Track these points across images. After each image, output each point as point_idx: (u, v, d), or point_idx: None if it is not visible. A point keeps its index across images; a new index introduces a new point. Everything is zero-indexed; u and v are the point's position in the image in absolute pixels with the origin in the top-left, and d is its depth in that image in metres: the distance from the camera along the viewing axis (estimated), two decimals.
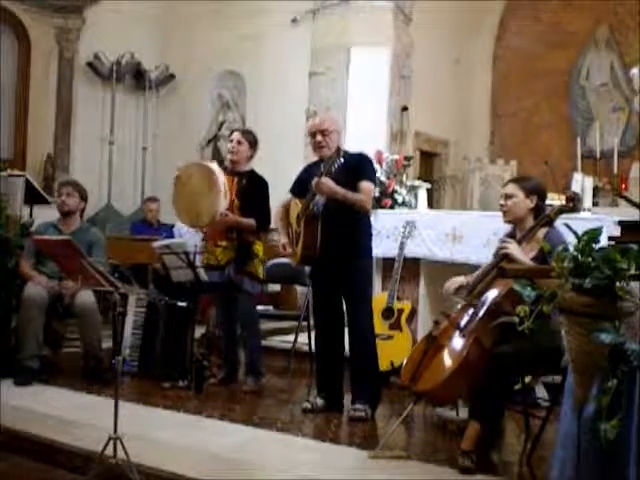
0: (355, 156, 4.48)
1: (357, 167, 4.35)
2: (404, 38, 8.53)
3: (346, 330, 4.50)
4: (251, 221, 4.86)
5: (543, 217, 3.65)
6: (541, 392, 4.56)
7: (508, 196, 3.72)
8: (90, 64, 9.06)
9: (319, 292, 4.55)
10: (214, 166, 4.85)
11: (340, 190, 4.21)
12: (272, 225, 5.05)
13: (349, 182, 4.26)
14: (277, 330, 6.53)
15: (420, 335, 4.85)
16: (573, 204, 3.68)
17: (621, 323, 2.36)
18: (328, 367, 4.53)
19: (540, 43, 9.88)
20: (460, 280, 3.77)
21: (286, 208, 4.60)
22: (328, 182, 4.18)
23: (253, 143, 5.04)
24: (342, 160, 4.15)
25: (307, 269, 5.81)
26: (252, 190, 4.93)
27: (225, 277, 4.92)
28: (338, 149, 4.19)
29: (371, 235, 4.54)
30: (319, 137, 4.41)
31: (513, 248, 3.55)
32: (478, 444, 3.41)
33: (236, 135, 5.04)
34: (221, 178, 4.74)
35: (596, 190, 7.44)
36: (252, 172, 5.05)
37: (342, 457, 3.64)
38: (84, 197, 5.30)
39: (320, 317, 4.56)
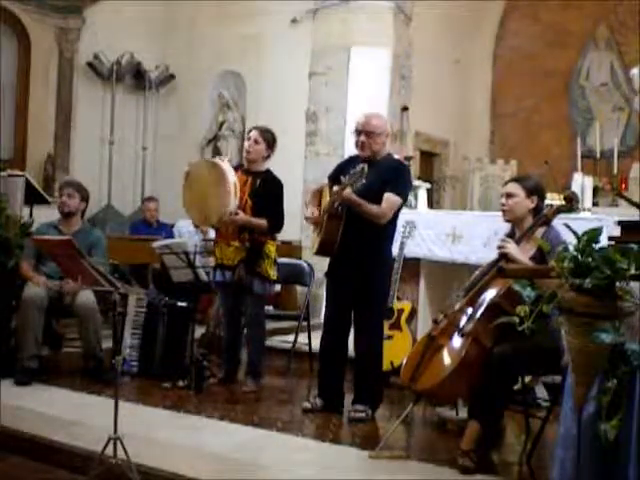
0: (392, 164, 4.40)
1: (389, 177, 4.26)
2: (404, 38, 8.53)
3: (352, 330, 4.50)
4: (262, 221, 4.76)
5: (541, 217, 3.66)
6: (541, 392, 4.56)
7: (509, 195, 3.73)
8: (90, 64, 9.05)
9: (333, 291, 4.49)
10: (224, 164, 4.73)
11: (357, 202, 4.15)
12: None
13: (378, 188, 4.20)
14: (277, 330, 6.51)
15: (420, 335, 4.84)
16: (571, 204, 3.69)
17: (621, 323, 2.36)
18: (330, 368, 4.51)
19: (540, 43, 9.88)
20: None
21: (320, 191, 4.55)
22: (347, 194, 4.11)
23: (271, 142, 4.92)
24: (364, 181, 4.04)
25: (308, 269, 5.86)
26: (266, 191, 4.84)
27: (235, 277, 4.84)
28: (362, 170, 4.02)
29: (392, 240, 4.49)
30: (362, 137, 4.30)
31: (512, 248, 3.56)
32: (478, 444, 3.41)
33: (254, 133, 4.91)
34: (231, 177, 4.64)
35: (596, 190, 7.44)
36: (268, 172, 4.94)
37: (342, 457, 3.64)
38: (85, 198, 5.29)
39: (330, 317, 4.51)
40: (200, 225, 5.17)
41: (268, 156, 4.95)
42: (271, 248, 4.90)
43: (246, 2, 8.74)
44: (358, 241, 4.25)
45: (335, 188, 4.16)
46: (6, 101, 8.50)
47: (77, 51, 9.01)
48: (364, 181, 4.03)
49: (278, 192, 4.88)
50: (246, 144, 4.93)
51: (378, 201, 4.22)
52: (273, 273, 4.93)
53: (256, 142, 4.87)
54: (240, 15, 8.87)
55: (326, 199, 4.40)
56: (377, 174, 4.18)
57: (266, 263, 4.86)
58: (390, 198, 4.23)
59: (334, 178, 4.44)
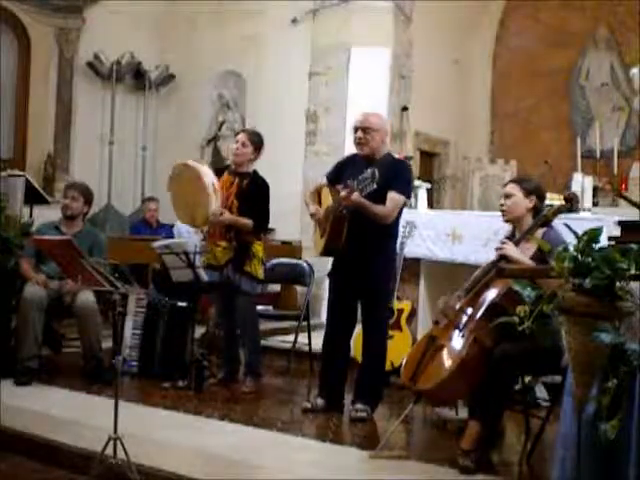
0: (394, 164, 4.42)
1: (391, 176, 4.25)
2: (404, 38, 8.53)
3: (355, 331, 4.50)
4: (248, 221, 4.82)
5: (540, 217, 3.67)
6: (541, 392, 4.56)
7: (507, 195, 3.75)
8: (90, 64, 9.05)
9: (337, 292, 4.50)
10: (200, 167, 4.81)
11: (365, 204, 4.16)
12: (271, 224, 5.05)
13: (382, 188, 4.19)
14: (277, 330, 6.52)
15: (420, 335, 4.85)
16: (571, 204, 3.69)
17: (621, 323, 2.36)
18: (332, 368, 4.51)
19: (540, 43, 9.87)
20: (447, 299, 3.77)
21: (317, 191, 4.57)
22: (356, 199, 4.11)
23: (258, 146, 4.99)
24: (375, 186, 4.03)
25: (308, 269, 5.86)
26: (252, 192, 4.90)
27: (224, 277, 4.92)
28: (373, 174, 4.00)
29: (396, 238, 4.53)
30: (359, 133, 4.35)
31: (510, 249, 3.58)
32: (478, 444, 3.41)
33: (241, 137, 4.99)
34: (208, 179, 4.71)
35: (596, 190, 7.44)
36: (254, 174, 5.00)
37: (342, 457, 3.64)
38: (89, 201, 5.31)
39: (333, 316, 4.51)
40: (190, 226, 5.22)
41: (255, 159, 5.02)
42: (258, 248, 4.95)
43: (246, 2, 8.75)
44: (362, 241, 4.26)
45: (343, 193, 4.15)
46: (6, 101, 8.49)
47: (77, 51, 9.01)
48: (375, 186, 4.03)
49: (264, 193, 4.95)
50: (233, 146, 5.00)
51: (381, 200, 4.23)
52: (261, 272, 4.98)
53: (244, 145, 4.94)
54: (240, 15, 8.87)
55: (327, 198, 4.40)
56: (379, 173, 4.18)
57: (254, 262, 4.91)
58: (394, 197, 4.26)
59: (333, 177, 4.48)
